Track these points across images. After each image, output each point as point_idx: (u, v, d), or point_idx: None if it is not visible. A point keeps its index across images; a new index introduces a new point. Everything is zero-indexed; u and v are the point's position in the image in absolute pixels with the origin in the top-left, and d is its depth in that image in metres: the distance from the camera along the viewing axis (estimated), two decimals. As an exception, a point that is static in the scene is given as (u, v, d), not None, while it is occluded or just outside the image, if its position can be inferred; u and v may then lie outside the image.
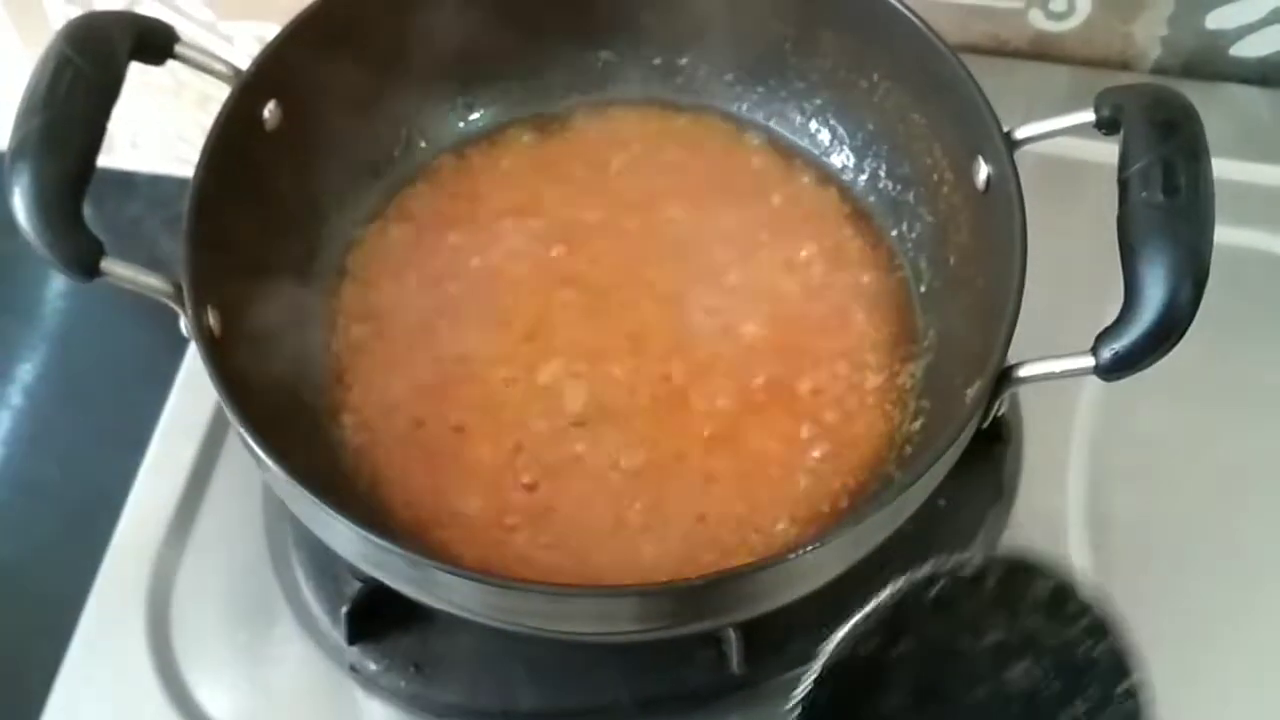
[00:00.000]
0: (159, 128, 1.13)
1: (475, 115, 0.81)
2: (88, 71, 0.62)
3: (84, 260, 0.60)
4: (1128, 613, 0.73)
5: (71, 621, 0.77)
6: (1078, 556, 0.76)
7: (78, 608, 0.77)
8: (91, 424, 1.05)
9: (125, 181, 1.16)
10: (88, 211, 0.61)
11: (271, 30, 1.01)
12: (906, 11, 0.70)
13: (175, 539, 0.78)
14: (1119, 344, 0.56)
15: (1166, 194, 0.57)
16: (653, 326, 0.73)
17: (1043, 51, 0.93)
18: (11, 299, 1.10)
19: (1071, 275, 0.75)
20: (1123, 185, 0.58)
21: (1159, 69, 0.93)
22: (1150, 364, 0.57)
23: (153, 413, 0.84)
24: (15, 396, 1.07)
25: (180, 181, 1.16)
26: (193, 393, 0.82)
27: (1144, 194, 0.57)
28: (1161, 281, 0.56)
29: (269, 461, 0.58)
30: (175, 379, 0.84)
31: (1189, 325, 0.56)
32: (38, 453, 1.05)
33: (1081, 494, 0.78)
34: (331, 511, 0.57)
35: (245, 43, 1.04)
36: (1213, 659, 0.73)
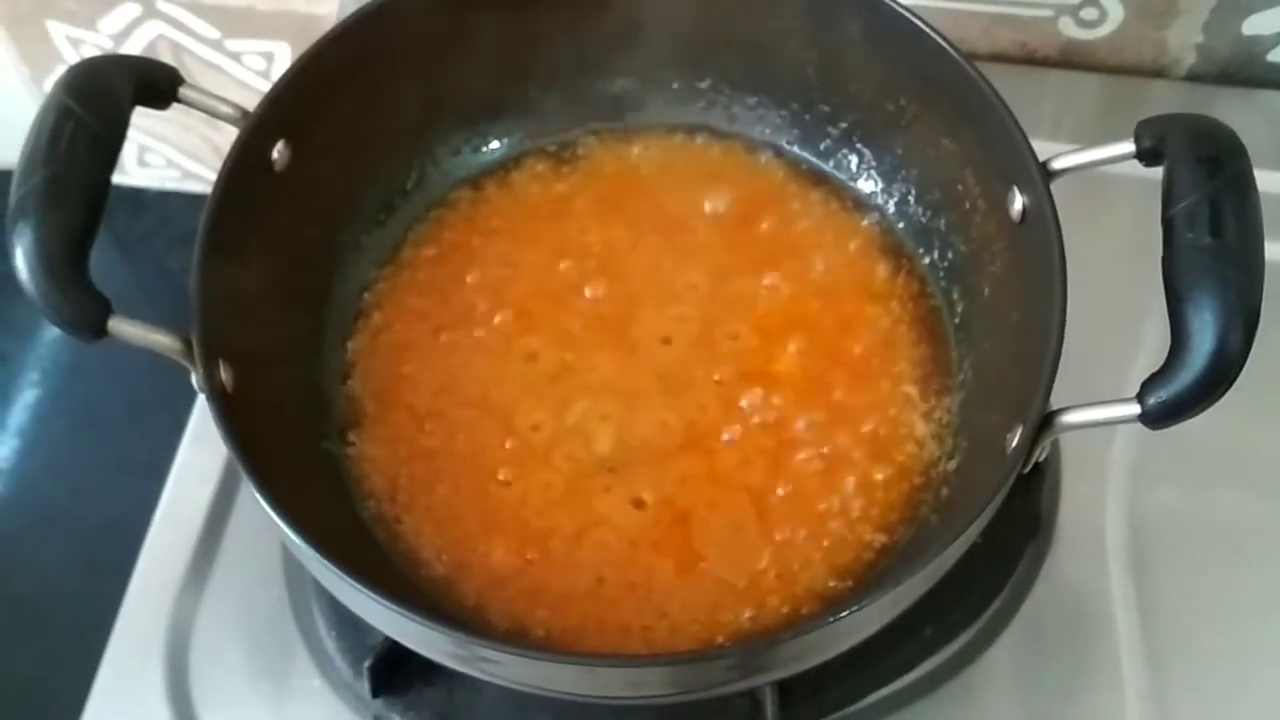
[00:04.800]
0: (167, 144, 1.11)
1: (491, 146, 0.78)
2: (90, 123, 0.59)
3: (90, 321, 0.58)
4: (1171, 649, 0.72)
5: (89, 655, 0.75)
6: (1119, 587, 0.74)
7: (95, 640, 0.76)
8: (106, 450, 1.04)
9: (134, 198, 1.15)
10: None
11: (278, 47, 1.00)
12: (934, 34, 0.67)
13: (193, 586, 0.76)
14: (1166, 393, 0.54)
15: (1214, 235, 0.55)
16: (683, 364, 0.71)
17: (1073, 60, 0.91)
18: (20, 322, 1.08)
19: (1102, 295, 0.71)
20: (1167, 225, 0.56)
21: (1193, 76, 0.90)
22: (1199, 413, 0.55)
23: (169, 437, 0.82)
24: (27, 423, 1.06)
25: (189, 198, 1.16)
26: (206, 435, 0.80)
27: (1190, 235, 0.55)
28: (1210, 328, 0.53)
29: (289, 532, 0.56)
30: (191, 409, 0.82)
31: (1239, 373, 0.54)
32: (51, 481, 1.04)
33: (1123, 522, 0.76)
34: (356, 584, 0.55)
35: (252, 60, 1.01)
36: (1263, 692, 0.72)
